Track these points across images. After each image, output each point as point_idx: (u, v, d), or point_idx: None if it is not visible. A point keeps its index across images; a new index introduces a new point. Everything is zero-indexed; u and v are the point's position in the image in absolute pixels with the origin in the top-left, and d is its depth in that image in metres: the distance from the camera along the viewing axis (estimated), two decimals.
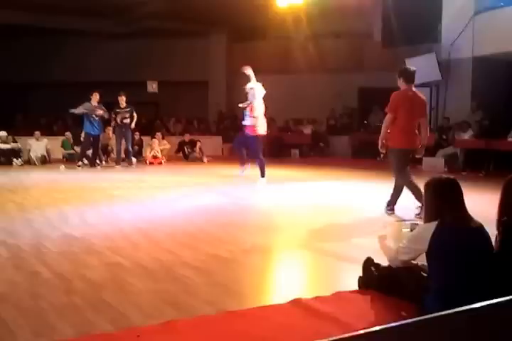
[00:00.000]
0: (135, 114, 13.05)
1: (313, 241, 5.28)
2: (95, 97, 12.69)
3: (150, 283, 3.79)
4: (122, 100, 12.96)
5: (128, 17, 17.74)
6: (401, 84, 6.32)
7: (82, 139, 13.10)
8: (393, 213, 6.30)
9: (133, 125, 13.04)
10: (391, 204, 6.35)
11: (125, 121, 12.86)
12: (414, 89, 6.28)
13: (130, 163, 13.12)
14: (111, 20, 18.15)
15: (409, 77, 6.27)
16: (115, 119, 12.95)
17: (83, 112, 12.55)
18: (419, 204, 5.90)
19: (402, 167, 6.23)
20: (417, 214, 5.98)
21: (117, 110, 12.93)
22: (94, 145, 13.06)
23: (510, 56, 12.24)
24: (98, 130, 12.86)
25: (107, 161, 13.97)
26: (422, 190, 3.38)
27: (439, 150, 12.75)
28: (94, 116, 12.54)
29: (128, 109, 12.94)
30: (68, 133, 14.48)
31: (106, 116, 12.84)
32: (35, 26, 17.46)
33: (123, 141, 13.17)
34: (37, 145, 13.96)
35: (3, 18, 16.49)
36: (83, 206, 7.13)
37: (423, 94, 6.47)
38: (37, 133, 14.14)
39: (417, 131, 6.29)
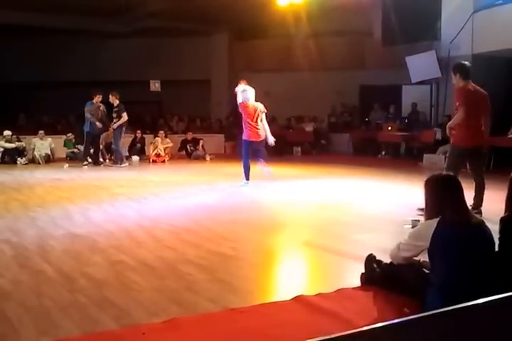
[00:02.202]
0: (123, 115, 12.73)
1: (315, 238, 5.29)
2: (98, 99, 12.77)
3: (153, 280, 3.81)
4: (112, 100, 12.86)
5: (130, 17, 17.76)
6: (457, 80, 6.14)
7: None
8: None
9: (115, 125, 12.75)
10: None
11: (114, 120, 12.84)
12: (472, 83, 6.14)
13: (116, 163, 13.08)
14: (113, 20, 18.19)
15: (466, 72, 6.12)
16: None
17: (90, 118, 12.67)
18: None
19: (453, 166, 6.03)
20: (419, 209, 5.99)
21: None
22: (95, 143, 13.08)
23: (509, 53, 12.24)
24: (96, 129, 12.82)
25: (110, 159, 13.98)
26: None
27: (439, 147, 12.79)
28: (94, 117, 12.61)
29: (116, 109, 12.82)
30: (70, 134, 14.52)
31: (99, 126, 12.83)
32: (38, 26, 17.48)
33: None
34: (41, 145, 13.99)
35: (8, 18, 16.52)
36: (87, 204, 7.15)
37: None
38: (41, 132, 14.16)
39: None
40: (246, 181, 8.76)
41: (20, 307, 3.28)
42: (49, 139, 14.20)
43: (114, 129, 12.86)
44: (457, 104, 6.10)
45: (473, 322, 1.89)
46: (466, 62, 6.31)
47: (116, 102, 12.87)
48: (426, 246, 3.07)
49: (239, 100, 8.75)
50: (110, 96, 12.88)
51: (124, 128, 13.04)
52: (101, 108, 12.80)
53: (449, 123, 6.29)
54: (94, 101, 12.78)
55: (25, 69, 19.87)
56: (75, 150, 14.19)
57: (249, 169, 8.81)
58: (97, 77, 18.60)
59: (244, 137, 8.84)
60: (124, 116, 12.76)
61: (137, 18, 17.79)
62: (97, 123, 12.63)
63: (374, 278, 3.55)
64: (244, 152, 8.81)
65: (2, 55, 20.41)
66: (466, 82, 6.12)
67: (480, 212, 5.92)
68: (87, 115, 12.74)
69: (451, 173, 3.27)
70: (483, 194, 6.20)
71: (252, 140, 8.78)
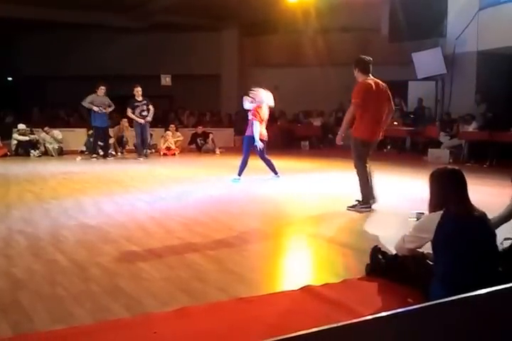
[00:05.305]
0: (151, 107, 13.01)
1: (322, 230, 5.35)
2: (100, 91, 12.77)
3: (164, 270, 3.87)
4: (138, 92, 12.90)
5: (142, 12, 17.82)
6: (357, 75, 6.21)
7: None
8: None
9: (150, 118, 12.95)
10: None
11: (144, 113, 12.88)
12: (372, 77, 6.17)
13: (146, 155, 13.17)
14: (126, 15, 18.27)
15: (366, 67, 6.17)
16: (133, 113, 12.88)
17: (88, 106, 12.73)
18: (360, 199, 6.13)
19: (362, 157, 6.23)
20: (349, 207, 6.16)
21: (135, 104, 12.88)
22: (104, 137, 13.15)
23: None
24: (105, 122, 12.90)
25: (122, 153, 14.08)
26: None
27: (444, 142, 12.83)
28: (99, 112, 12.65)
29: (145, 102, 12.94)
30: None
31: (111, 109, 12.88)
32: (52, 21, 17.57)
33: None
34: (50, 138, 14.04)
35: (20, 13, 16.63)
36: (99, 196, 7.24)
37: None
38: (46, 128, 14.16)
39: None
40: (239, 177, 8.69)
41: (34, 295, 3.33)
42: (54, 131, 14.18)
43: (147, 122, 12.96)
44: (353, 100, 6.11)
45: (475, 312, 1.93)
46: (366, 57, 6.28)
47: (140, 96, 12.94)
48: (430, 238, 3.12)
49: (259, 102, 8.66)
50: (137, 89, 12.87)
51: None
52: (100, 94, 12.76)
53: (343, 127, 6.23)
54: (97, 93, 12.78)
55: (37, 63, 20.00)
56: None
57: (272, 164, 8.84)
58: (109, 71, 18.66)
59: (247, 133, 8.73)
60: (152, 109, 13.04)
61: (149, 13, 17.84)
62: (94, 108, 12.60)
63: (379, 269, 3.60)
64: (248, 148, 8.74)
65: (15, 49, 20.57)
66: (365, 76, 6.14)
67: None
68: (89, 107, 12.78)
69: (456, 167, 3.31)
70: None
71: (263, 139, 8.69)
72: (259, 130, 8.51)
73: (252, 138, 8.57)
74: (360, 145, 6.21)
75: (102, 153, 13.24)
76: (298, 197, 7.47)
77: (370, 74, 6.19)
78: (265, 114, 8.71)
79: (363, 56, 6.34)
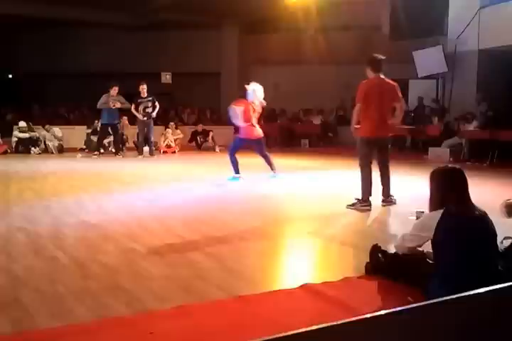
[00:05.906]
0: (157, 104, 12.98)
1: (322, 228, 5.36)
2: (114, 91, 12.71)
3: (164, 268, 3.88)
4: (143, 90, 12.85)
5: (142, 9, 17.79)
6: (369, 73, 6.22)
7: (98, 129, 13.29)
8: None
9: (154, 114, 12.93)
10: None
11: (147, 110, 12.83)
12: (382, 76, 6.18)
13: (152, 154, 13.13)
14: (126, 13, 18.24)
15: (376, 65, 6.18)
16: (137, 109, 12.83)
17: (102, 106, 12.68)
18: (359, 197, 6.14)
19: (364, 156, 6.27)
20: (348, 205, 6.18)
21: (139, 100, 12.83)
22: (116, 133, 13.17)
23: None
24: (115, 119, 12.90)
25: (122, 150, 14.06)
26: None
27: (444, 141, 12.84)
28: (112, 107, 12.60)
29: (150, 99, 12.90)
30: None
31: (125, 107, 12.85)
32: (52, 18, 17.55)
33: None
34: (51, 136, 14.05)
35: (21, 10, 16.61)
36: (99, 194, 7.25)
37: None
38: (47, 126, 14.19)
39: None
40: (238, 175, 8.65)
41: (34, 292, 3.34)
42: (54, 128, 14.17)
43: (148, 119, 12.88)
44: (356, 98, 6.16)
45: (474, 311, 1.92)
46: (378, 55, 6.26)
47: (145, 93, 12.89)
48: (430, 236, 3.12)
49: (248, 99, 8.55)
50: (142, 86, 12.83)
51: None
52: (115, 103, 12.68)
53: (352, 122, 6.31)
54: (110, 93, 12.74)
55: (37, 61, 19.99)
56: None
57: (237, 163, 8.70)
58: (109, 68, 18.67)
59: (240, 135, 8.70)
60: (157, 106, 12.99)
61: (149, 10, 17.81)
62: (111, 104, 12.52)
63: (379, 267, 3.60)
64: (235, 148, 8.71)
65: (15, 46, 20.56)
66: (375, 74, 6.15)
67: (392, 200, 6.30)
68: (103, 106, 12.73)
69: (457, 166, 3.31)
70: (389, 183, 6.39)
71: (249, 138, 8.61)
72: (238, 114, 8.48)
73: (244, 140, 8.59)
74: (364, 143, 6.25)
75: (102, 150, 13.22)
76: (298, 195, 7.47)
77: (381, 74, 6.19)
78: (254, 110, 8.54)
79: (376, 55, 6.33)
